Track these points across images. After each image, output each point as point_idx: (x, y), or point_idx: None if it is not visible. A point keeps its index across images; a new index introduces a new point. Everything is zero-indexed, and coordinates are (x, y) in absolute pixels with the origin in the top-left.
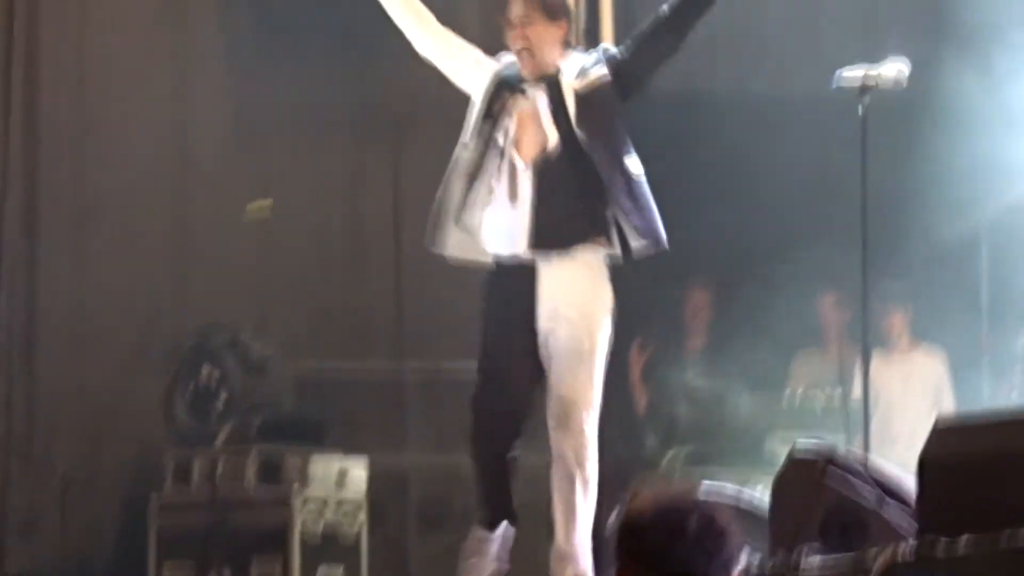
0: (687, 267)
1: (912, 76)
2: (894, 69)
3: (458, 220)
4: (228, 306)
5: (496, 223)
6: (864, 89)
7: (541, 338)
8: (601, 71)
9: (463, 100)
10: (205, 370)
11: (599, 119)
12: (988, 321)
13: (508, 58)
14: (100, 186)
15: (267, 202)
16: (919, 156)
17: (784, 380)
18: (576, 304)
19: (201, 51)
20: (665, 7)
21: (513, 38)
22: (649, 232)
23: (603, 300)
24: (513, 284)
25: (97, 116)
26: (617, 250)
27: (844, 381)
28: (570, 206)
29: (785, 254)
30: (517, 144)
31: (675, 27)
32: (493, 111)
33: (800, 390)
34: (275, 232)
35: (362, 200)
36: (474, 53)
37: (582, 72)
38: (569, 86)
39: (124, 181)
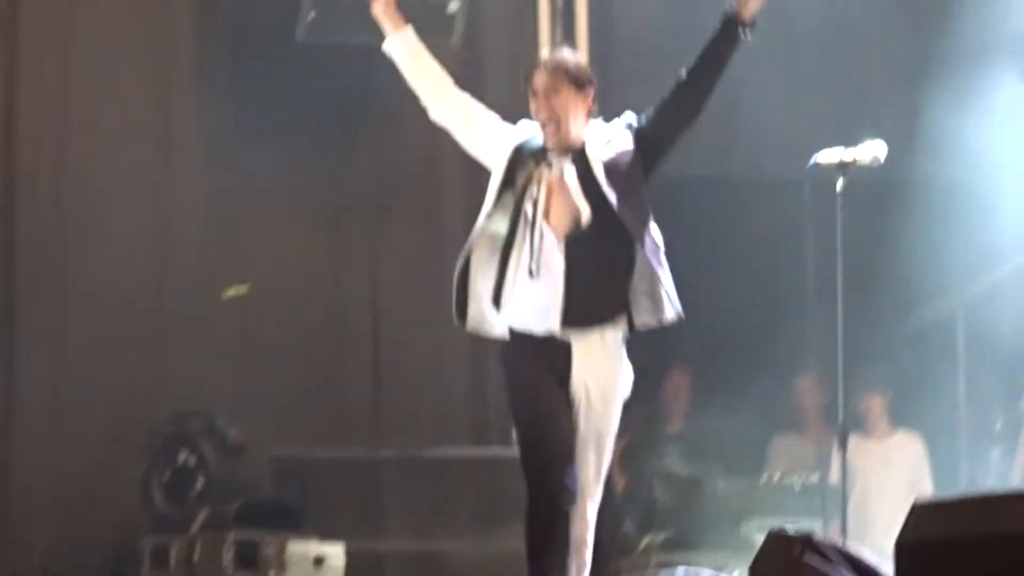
0: (665, 350)
1: (889, 158)
2: (870, 151)
3: (494, 294)
4: (205, 390)
5: (527, 297)
6: (840, 170)
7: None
8: (626, 141)
9: (441, 182)
10: (182, 455)
11: (627, 190)
12: (966, 403)
13: (528, 125)
14: (78, 272)
15: (244, 287)
16: (896, 238)
17: (762, 463)
18: (600, 386)
19: (180, 133)
20: (683, 71)
21: (539, 108)
22: (673, 302)
23: (623, 385)
24: (546, 360)
25: (76, 201)
26: (644, 323)
27: (822, 465)
28: (601, 281)
29: (762, 336)
30: (547, 216)
31: (693, 91)
32: (516, 181)
33: (778, 474)
34: (252, 316)
35: (340, 284)
36: (493, 120)
37: (608, 143)
38: (597, 158)
39: (102, 266)
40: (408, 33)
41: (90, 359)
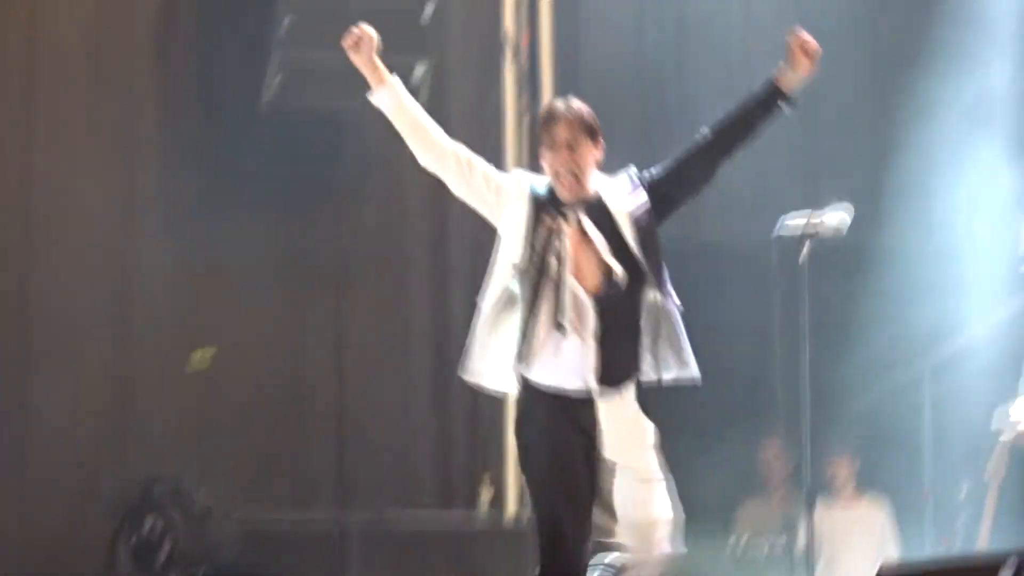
0: None
1: (855, 223)
2: (836, 217)
3: (520, 351)
4: (171, 456)
5: (557, 354)
6: (806, 235)
7: (605, 472)
8: (644, 195)
9: (406, 248)
10: (148, 521)
11: (652, 246)
12: (932, 469)
13: (523, 174)
14: (43, 337)
15: (209, 351)
16: (862, 303)
17: (729, 528)
18: (632, 435)
19: (144, 200)
20: (705, 131)
21: (559, 160)
22: (674, 364)
23: (651, 430)
24: (571, 417)
25: (41, 267)
26: (648, 378)
27: (789, 529)
28: (628, 338)
29: (729, 401)
30: (577, 273)
31: (717, 154)
32: (537, 237)
33: (744, 538)
34: (218, 381)
35: (305, 349)
36: (491, 170)
37: (629, 197)
38: (622, 212)
39: (67, 331)
40: (391, 87)
41: (55, 423)
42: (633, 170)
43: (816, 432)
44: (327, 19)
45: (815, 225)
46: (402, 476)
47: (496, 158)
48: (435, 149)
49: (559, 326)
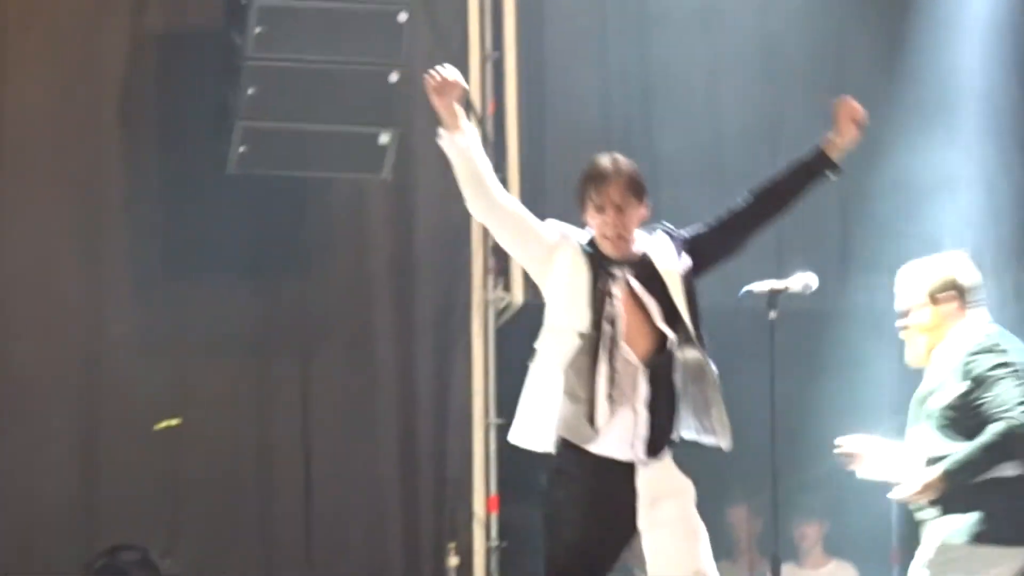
0: None
1: (820, 289)
2: (801, 279)
3: (588, 415)
4: (137, 524)
5: (610, 423)
6: (772, 300)
7: (637, 535)
8: (686, 254)
9: (373, 316)
10: None
11: (696, 307)
12: (898, 532)
13: (571, 232)
14: (7, 403)
15: (175, 421)
16: (829, 366)
17: None
18: (673, 492)
19: (110, 268)
20: (747, 195)
21: (612, 222)
22: (719, 430)
23: (688, 484)
24: (608, 485)
25: (4, 335)
26: (674, 437)
27: None
28: (676, 406)
29: (696, 464)
30: (628, 338)
31: (759, 222)
32: (592, 301)
33: None
34: (184, 448)
35: (272, 417)
36: (544, 229)
37: (675, 255)
38: (672, 273)
39: (32, 398)
40: (460, 137)
41: (20, 492)
42: (668, 226)
43: (783, 495)
44: (291, 88)
45: (780, 289)
46: (369, 544)
47: (463, 226)
48: (493, 205)
49: (612, 398)
